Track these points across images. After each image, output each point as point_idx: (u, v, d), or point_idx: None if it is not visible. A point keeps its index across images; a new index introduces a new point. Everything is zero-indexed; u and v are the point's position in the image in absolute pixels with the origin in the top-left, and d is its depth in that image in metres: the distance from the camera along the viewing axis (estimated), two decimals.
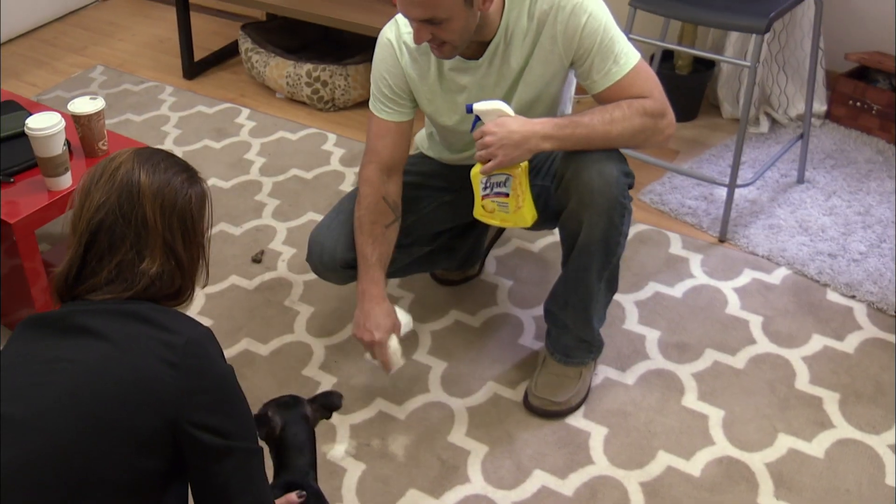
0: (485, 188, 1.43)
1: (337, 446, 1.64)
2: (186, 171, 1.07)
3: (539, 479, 1.56)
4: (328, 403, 1.32)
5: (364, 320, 1.54)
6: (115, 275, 0.98)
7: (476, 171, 1.40)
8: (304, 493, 1.18)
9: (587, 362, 1.71)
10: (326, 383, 1.78)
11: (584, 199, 1.43)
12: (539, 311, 1.85)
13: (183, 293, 1.04)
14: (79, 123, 1.83)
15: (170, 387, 0.90)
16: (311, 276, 2.06)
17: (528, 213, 1.44)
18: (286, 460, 1.22)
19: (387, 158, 1.57)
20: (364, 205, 1.56)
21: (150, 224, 0.99)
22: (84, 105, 1.82)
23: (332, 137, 2.61)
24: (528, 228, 1.52)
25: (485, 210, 1.45)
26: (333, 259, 1.61)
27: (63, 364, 0.91)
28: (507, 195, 1.42)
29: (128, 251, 0.98)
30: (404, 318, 1.59)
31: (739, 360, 1.80)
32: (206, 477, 0.92)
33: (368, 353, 1.56)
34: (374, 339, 1.52)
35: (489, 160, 1.38)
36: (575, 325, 1.65)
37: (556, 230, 2.15)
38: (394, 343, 1.55)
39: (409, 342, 1.88)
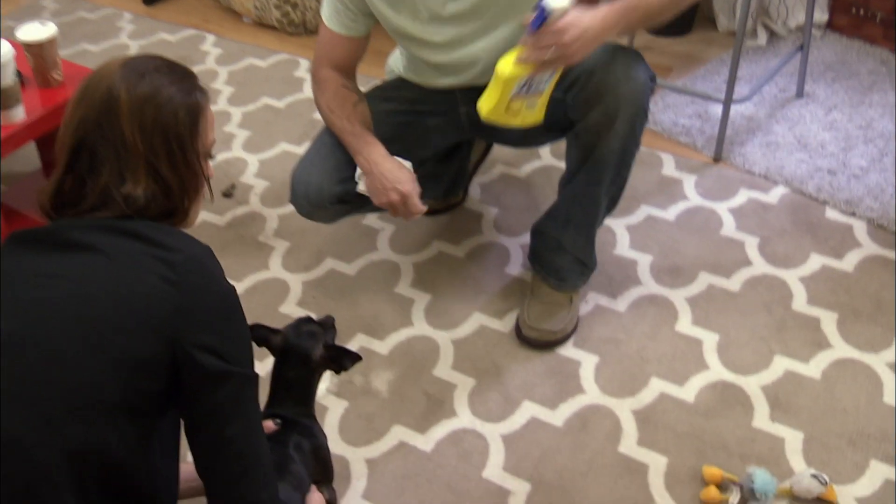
0: (523, 87, 1.31)
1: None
2: (181, 82, 0.97)
3: (528, 410, 1.56)
4: (340, 361, 1.23)
5: (384, 181, 1.49)
6: (101, 199, 0.93)
7: (512, 71, 1.27)
8: (279, 419, 1.17)
9: (579, 287, 1.70)
10: None
11: (610, 107, 1.38)
12: (526, 238, 1.82)
13: (176, 215, 0.99)
14: (30, 52, 1.75)
15: (170, 305, 0.87)
16: (286, 209, 2.02)
17: (543, 109, 1.37)
18: (277, 392, 1.22)
19: (339, 62, 1.56)
20: (328, 93, 1.55)
21: (130, 144, 0.93)
22: (34, 32, 1.74)
23: (304, 63, 2.53)
24: (526, 146, 1.48)
25: (507, 111, 1.34)
26: (321, 195, 1.56)
27: (59, 280, 0.87)
28: (541, 93, 1.33)
29: (111, 173, 0.93)
30: (408, 165, 1.55)
31: (735, 283, 1.78)
32: (201, 400, 0.91)
33: (395, 214, 1.52)
34: (407, 191, 1.49)
35: (553, 60, 1.26)
36: (574, 245, 1.63)
37: (545, 148, 2.11)
38: (416, 202, 1.52)
39: (391, 275, 1.85)
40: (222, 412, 0.91)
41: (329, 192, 1.56)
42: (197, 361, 0.88)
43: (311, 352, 1.20)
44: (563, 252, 1.65)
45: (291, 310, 1.78)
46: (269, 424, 1.17)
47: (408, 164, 1.55)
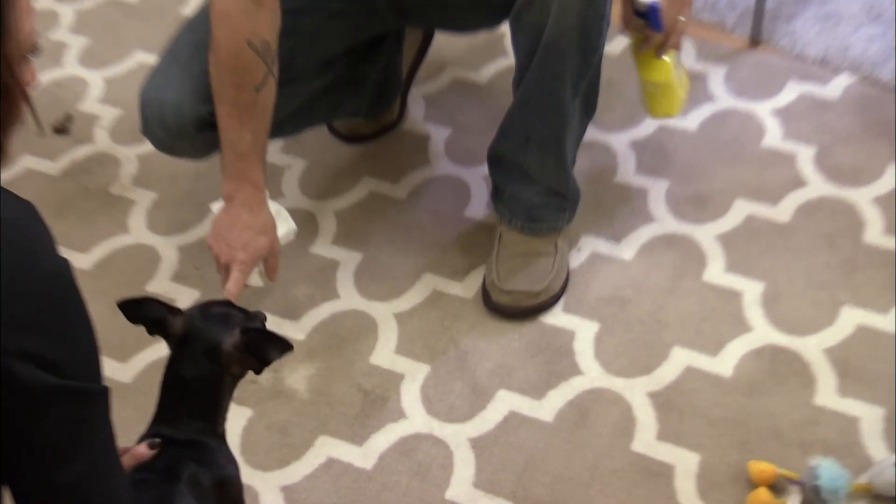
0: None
1: None
2: None
3: (505, 402, 1.59)
4: (262, 351, 1.19)
5: (226, 233, 1.51)
6: None
7: (668, 69, 1.67)
8: (157, 440, 1.17)
9: (561, 226, 1.73)
10: (184, 301, 1.75)
11: None
12: None
13: None
14: None
15: None
16: (148, 145, 2.00)
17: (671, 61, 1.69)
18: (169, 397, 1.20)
19: None
20: (221, 57, 1.47)
21: None
22: None
23: None
24: (467, 30, 1.69)
25: (680, 97, 1.75)
26: (181, 118, 1.55)
27: None
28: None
29: None
30: (284, 229, 1.57)
31: (783, 211, 1.82)
32: (22, 433, 0.89)
33: (219, 269, 1.54)
34: (237, 260, 1.49)
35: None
36: (542, 171, 1.66)
37: (506, 37, 2.12)
38: (255, 276, 1.54)
39: (305, 230, 1.85)
40: (54, 449, 0.89)
41: (192, 114, 1.55)
42: (14, 376, 0.86)
43: (221, 339, 1.19)
44: (530, 181, 1.67)
45: (165, 287, 1.79)
46: (140, 450, 1.17)
47: (286, 227, 1.57)
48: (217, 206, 1.55)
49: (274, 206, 1.56)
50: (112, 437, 0.96)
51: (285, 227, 1.58)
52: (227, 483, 1.20)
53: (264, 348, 1.19)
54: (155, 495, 1.11)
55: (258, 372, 1.21)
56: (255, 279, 1.55)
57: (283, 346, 1.19)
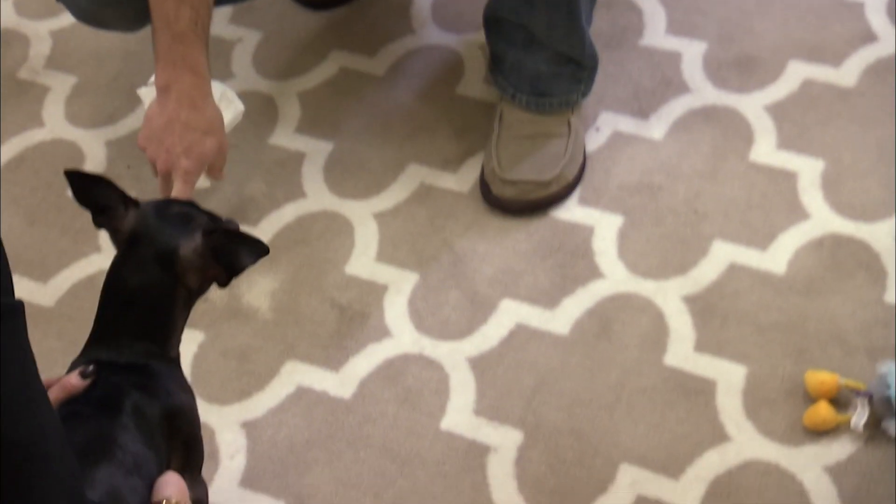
0: None
1: None
2: None
3: (510, 314, 1.62)
4: (231, 255, 1.19)
5: (163, 133, 1.50)
6: None
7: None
8: (90, 368, 1.18)
9: (575, 100, 1.74)
10: None
11: None
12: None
13: None
14: None
15: None
16: (64, 20, 2.02)
17: None
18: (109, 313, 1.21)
19: None
20: None
21: None
22: None
23: None
24: None
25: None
26: None
27: None
28: None
29: None
30: (231, 114, 1.58)
31: (848, 74, 1.83)
32: None
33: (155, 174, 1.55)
34: (180, 168, 1.49)
35: None
36: (550, 33, 1.66)
37: None
38: (203, 179, 1.56)
39: (263, 116, 1.88)
40: None
41: None
42: None
43: (178, 243, 1.19)
44: (536, 46, 1.68)
45: None
46: (71, 381, 1.18)
47: (237, 108, 1.59)
48: (147, 93, 1.55)
49: (218, 88, 1.56)
50: (30, 360, 0.97)
51: (232, 111, 1.59)
52: (178, 414, 1.22)
53: (233, 252, 1.19)
54: (91, 430, 1.12)
55: (224, 284, 1.21)
56: (199, 182, 1.56)
57: (257, 248, 1.19)
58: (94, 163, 1.84)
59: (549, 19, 1.66)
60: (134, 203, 1.21)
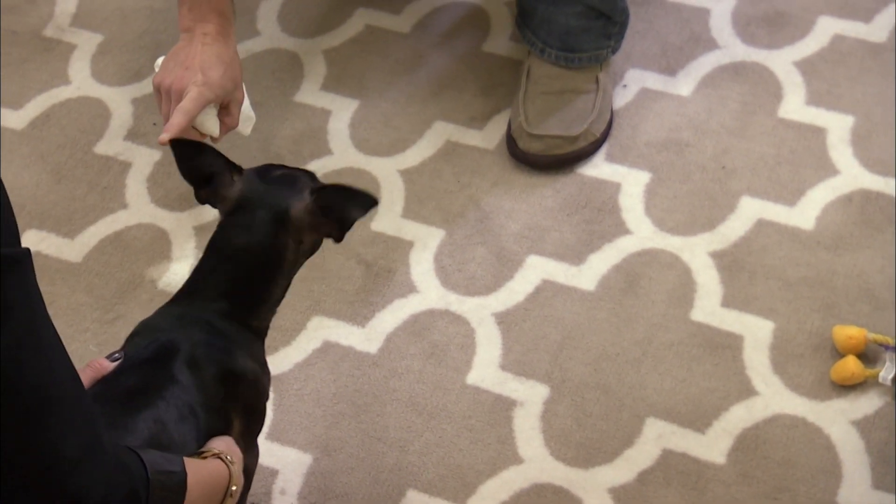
0: None
1: (174, 265, 1.70)
2: None
3: (536, 270, 1.64)
4: (344, 211, 1.21)
5: (181, 60, 1.51)
6: None
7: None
8: (118, 353, 1.19)
9: (604, 56, 1.75)
10: (141, 164, 1.80)
11: None
12: None
13: None
14: None
15: None
16: None
17: None
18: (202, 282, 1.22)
19: None
20: None
21: None
22: None
23: None
24: None
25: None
26: None
27: None
28: None
29: None
30: (246, 112, 1.59)
31: (878, 29, 1.84)
32: None
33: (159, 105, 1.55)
34: (196, 83, 1.48)
35: None
36: None
37: None
38: (209, 120, 1.53)
39: (288, 74, 1.89)
40: None
41: None
42: None
43: (289, 203, 1.21)
44: (566, 0, 1.68)
45: (118, 148, 1.83)
46: (102, 363, 1.17)
47: (248, 115, 1.58)
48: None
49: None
50: (38, 307, 0.97)
51: (244, 120, 1.59)
52: (239, 379, 1.21)
53: (343, 207, 1.21)
54: (140, 378, 1.14)
55: (338, 239, 1.23)
56: (210, 124, 1.53)
57: (366, 200, 1.21)
58: (119, 120, 1.86)
59: None
60: (238, 169, 1.23)
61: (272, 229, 1.20)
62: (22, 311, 0.95)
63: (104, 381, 1.15)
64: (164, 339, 1.17)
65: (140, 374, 1.14)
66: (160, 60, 1.57)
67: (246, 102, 1.59)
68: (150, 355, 1.16)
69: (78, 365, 0.97)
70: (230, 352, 1.20)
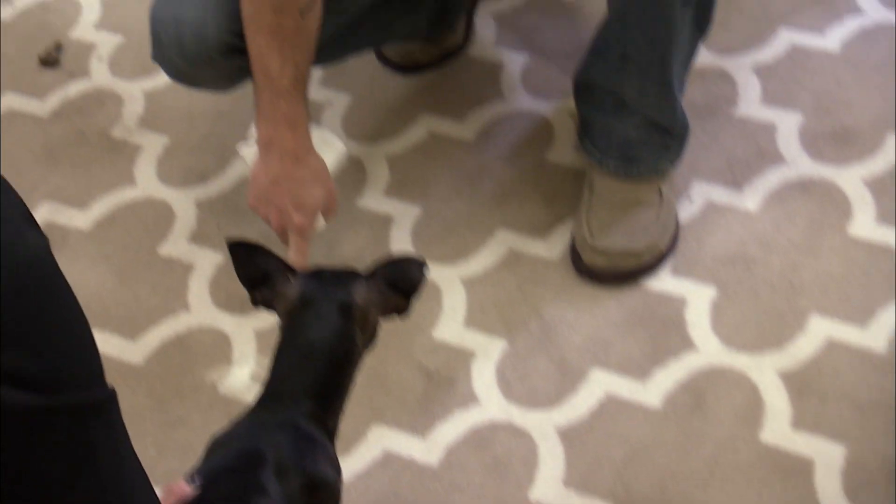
0: None
1: (235, 369, 1.69)
2: None
3: (600, 384, 1.62)
4: (404, 280, 1.26)
5: (272, 192, 1.54)
6: None
7: None
8: (198, 478, 1.17)
9: (664, 167, 1.75)
10: (204, 266, 1.81)
11: None
12: None
13: None
14: None
15: None
16: (157, 80, 2.06)
17: None
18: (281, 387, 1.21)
19: None
20: None
21: None
22: None
23: None
24: None
25: None
26: (203, 42, 1.59)
27: None
28: None
29: None
30: (332, 156, 1.60)
31: None
32: (6, 465, 0.91)
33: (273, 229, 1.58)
34: (293, 225, 1.54)
35: None
36: (641, 99, 1.68)
37: None
38: (320, 223, 1.58)
39: (351, 180, 1.90)
40: (46, 484, 0.89)
41: (217, 35, 1.58)
42: None
43: (349, 291, 1.23)
44: (626, 112, 1.69)
45: (181, 250, 1.84)
46: (181, 487, 1.16)
47: (335, 152, 1.60)
48: (247, 150, 1.59)
49: (316, 133, 1.58)
50: (125, 446, 0.96)
51: (334, 153, 1.60)
52: (322, 486, 1.19)
53: (404, 275, 1.25)
54: (231, 487, 1.12)
55: (404, 311, 1.27)
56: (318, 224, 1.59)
57: (417, 262, 1.26)
58: (183, 222, 1.87)
59: (642, 85, 1.67)
60: (292, 270, 1.25)
61: (342, 319, 1.22)
62: (106, 455, 0.94)
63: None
64: (248, 446, 1.16)
65: (228, 485, 1.12)
66: (244, 150, 1.59)
67: (331, 147, 1.61)
68: (235, 464, 1.15)
69: None
70: (314, 457, 1.19)
